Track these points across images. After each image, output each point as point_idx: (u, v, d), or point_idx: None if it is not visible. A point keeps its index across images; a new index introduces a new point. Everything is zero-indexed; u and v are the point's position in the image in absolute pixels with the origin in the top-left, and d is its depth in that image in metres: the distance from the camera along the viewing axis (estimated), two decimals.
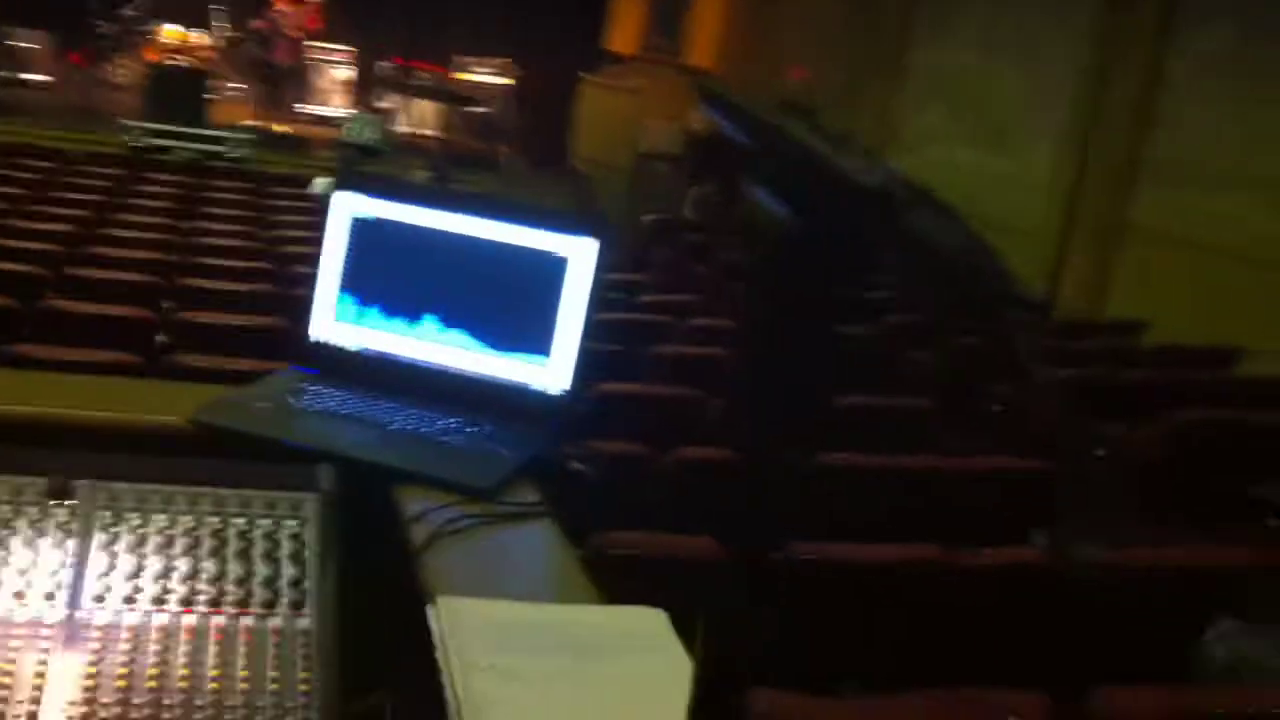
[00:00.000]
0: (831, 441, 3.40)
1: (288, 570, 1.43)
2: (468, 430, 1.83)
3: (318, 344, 1.95)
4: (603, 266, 1.86)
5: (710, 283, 8.06)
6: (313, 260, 1.97)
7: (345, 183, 1.93)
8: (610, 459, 3.06)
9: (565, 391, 1.90)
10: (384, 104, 14.85)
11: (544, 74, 15.27)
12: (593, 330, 1.87)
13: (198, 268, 6.61)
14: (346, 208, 1.92)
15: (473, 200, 1.98)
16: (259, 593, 1.40)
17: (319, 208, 9.17)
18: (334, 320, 1.94)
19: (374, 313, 1.93)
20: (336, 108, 14.78)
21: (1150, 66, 8.98)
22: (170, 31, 14.33)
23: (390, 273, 1.92)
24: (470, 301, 1.93)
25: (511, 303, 1.92)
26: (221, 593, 1.40)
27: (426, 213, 1.91)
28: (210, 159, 11.58)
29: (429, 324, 1.91)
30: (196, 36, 14.43)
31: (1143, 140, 9.02)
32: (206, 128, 12.35)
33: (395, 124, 14.39)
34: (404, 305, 1.92)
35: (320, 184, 9.90)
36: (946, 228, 0.89)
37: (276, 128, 13.46)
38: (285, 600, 1.40)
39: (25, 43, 14.01)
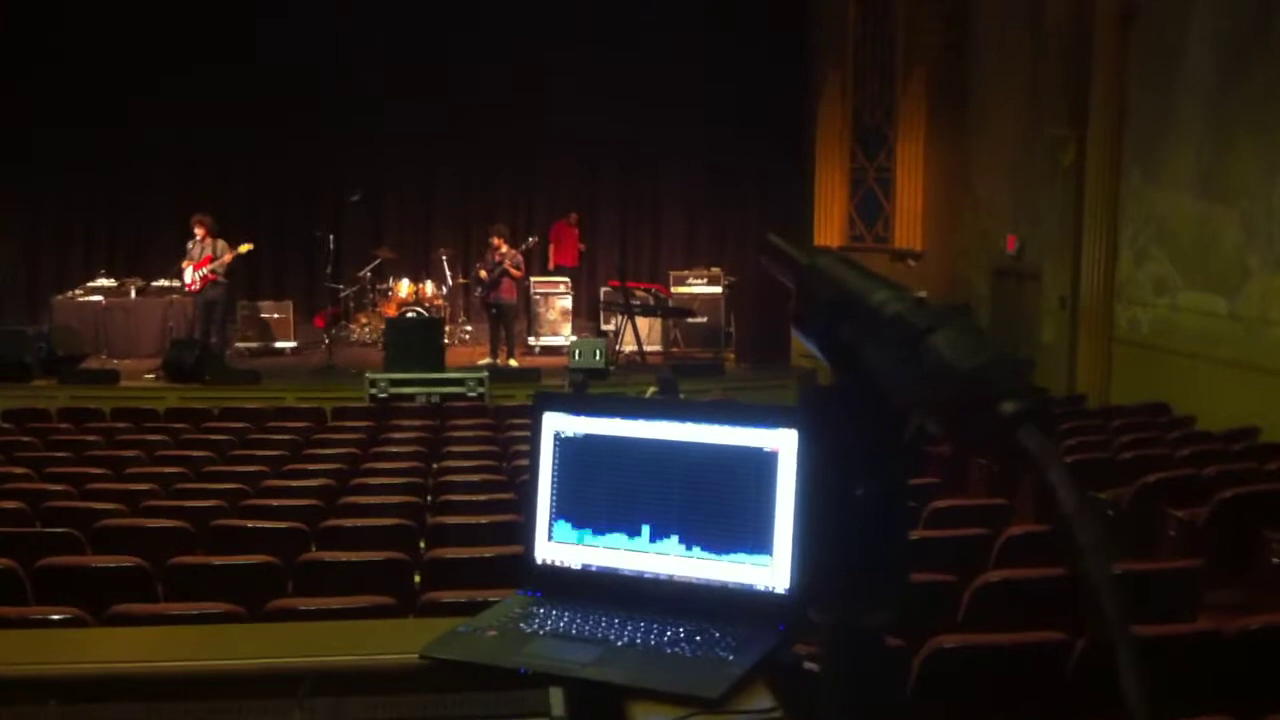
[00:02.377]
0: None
1: None
2: (696, 638, 1.80)
3: (541, 565, 1.97)
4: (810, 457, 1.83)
5: (950, 464, 7.85)
6: (526, 482, 2.01)
7: (547, 403, 1.98)
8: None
9: (791, 589, 1.86)
10: (607, 326, 15.37)
11: (757, 277, 15.56)
12: (815, 523, 1.83)
13: (446, 505, 6.85)
14: (551, 427, 1.97)
15: (672, 406, 2.00)
16: None
17: None
18: (553, 540, 1.97)
19: (591, 528, 1.94)
20: (562, 336, 15.38)
21: None
22: (404, 286, 15.31)
23: (602, 487, 1.94)
24: (684, 507, 1.92)
25: (726, 503, 1.91)
26: None
27: (629, 423, 1.94)
28: (450, 400, 12.12)
29: (646, 534, 1.91)
30: (428, 287, 15.36)
31: None
32: (444, 371, 12.99)
33: (619, 344, 14.83)
34: (620, 518, 1.93)
35: None
36: (969, 348, 0.89)
37: (509, 363, 14.06)
38: None
39: (274, 314, 15.21)
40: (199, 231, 13.58)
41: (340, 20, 15.80)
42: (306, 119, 15.86)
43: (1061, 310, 12.53)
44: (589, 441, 1.95)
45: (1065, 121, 12.24)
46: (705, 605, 1.88)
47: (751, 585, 1.88)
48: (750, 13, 16.27)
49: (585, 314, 16.68)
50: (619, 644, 1.77)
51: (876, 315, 0.93)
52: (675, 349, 15.18)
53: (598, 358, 13.53)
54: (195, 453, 8.72)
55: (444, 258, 15.87)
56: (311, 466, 8.29)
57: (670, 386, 12.06)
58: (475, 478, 7.74)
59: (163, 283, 14.75)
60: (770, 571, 1.87)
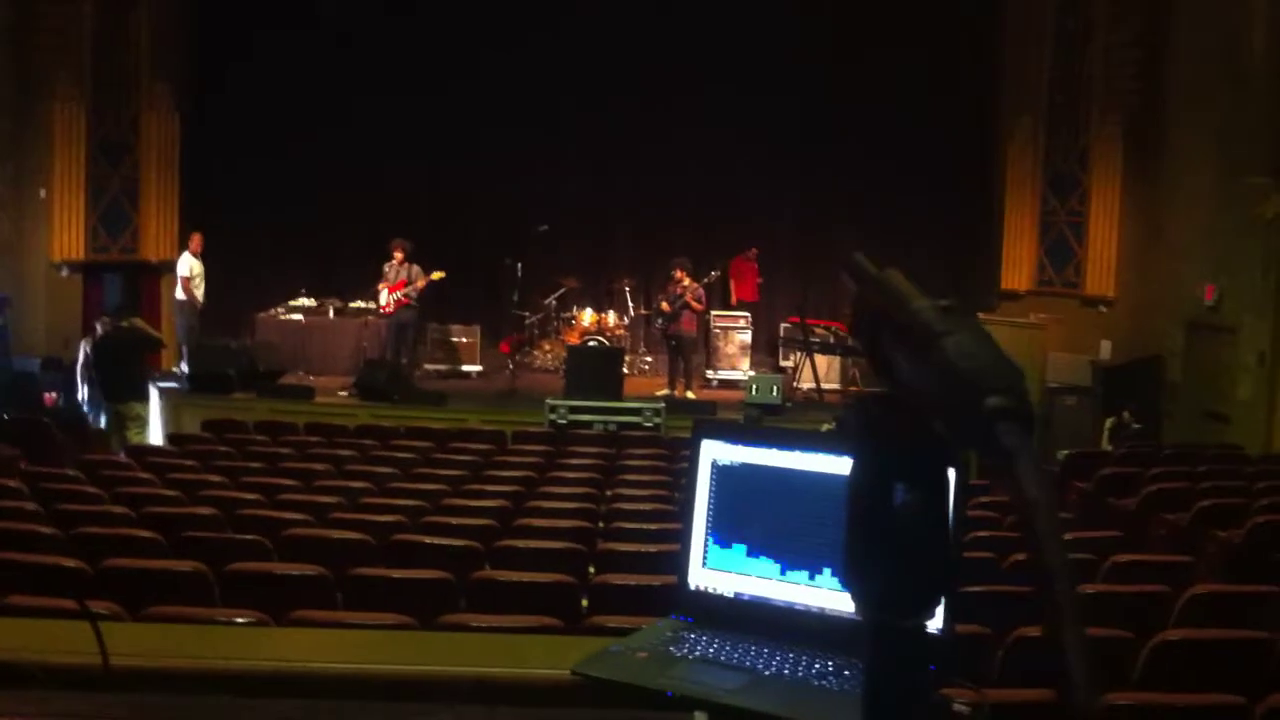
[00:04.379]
0: None
1: None
2: (844, 673, 1.81)
3: (694, 592, 2.00)
4: (960, 494, 1.82)
5: (1132, 518, 7.60)
6: (687, 510, 2.05)
7: (705, 430, 2.01)
8: (1003, 706, 2.89)
9: (940, 629, 1.84)
10: (785, 362, 15.33)
11: None
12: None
13: (617, 532, 6.94)
14: (710, 455, 2.01)
15: (827, 437, 2.01)
16: None
17: None
18: (706, 567, 2.00)
19: (743, 557, 1.97)
20: (740, 370, 15.41)
21: None
22: (587, 315, 15.59)
23: (756, 516, 1.96)
24: (834, 538, 1.93)
25: None
26: None
27: (784, 454, 1.96)
28: (627, 429, 12.25)
29: (797, 564, 1.93)
30: (610, 317, 15.60)
31: None
32: (622, 400, 13.15)
33: (796, 380, 14.77)
34: (772, 547, 1.95)
35: None
36: (970, 351, 0.95)
37: (686, 395, 14.15)
38: None
39: (461, 338, 15.67)
40: (397, 256, 14.11)
41: (533, 56, 16.22)
42: (497, 151, 16.32)
43: (1260, 367, 11.98)
44: (745, 470, 1.98)
45: (1265, 169, 11.74)
46: (855, 639, 1.88)
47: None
48: (941, 51, 16.10)
49: (763, 349, 16.66)
50: (766, 673, 1.79)
51: (908, 320, 0.98)
52: (854, 387, 15.04)
53: (774, 394, 13.52)
54: (381, 469, 9.03)
55: (626, 288, 16.11)
56: (490, 488, 8.50)
57: (848, 425, 11.94)
58: (646, 506, 7.81)
59: (359, 304, 15.36)
60: None
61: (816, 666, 1.83)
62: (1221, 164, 12.70)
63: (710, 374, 15.58)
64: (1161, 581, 5.32)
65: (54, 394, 13.26)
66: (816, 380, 14.39)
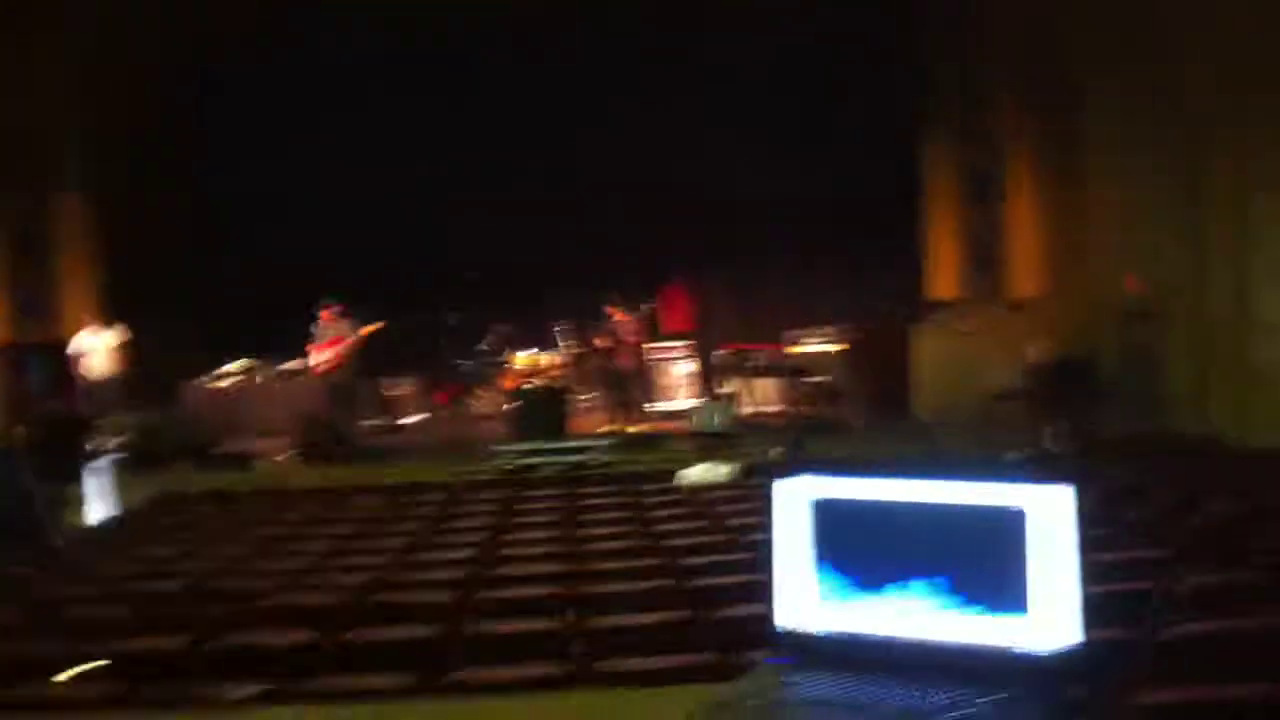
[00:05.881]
0: None
1: None
2: (959, 704, 1.79)
3: (787, 633, 1.97)
4: (1077, 514, 1.83)
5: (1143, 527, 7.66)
6: (760, 549, 2.03)
7: (779, 470, 1.99)
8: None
9: (1056, 650, 1.84)
10: (726, 389, 15.37)
11: (872, 333, 15.48)
12: (1079, 580, 1.83)
13: (596, 574, 6.87)
14: (789, 493, 1.99)
15: (913, 465, 2.00)
16: None
17: (688, 499, 9.45)
18: (798, 606, 1.97)
19: (838, 593, 1.95)
20: (683, 400, 15.42)
21: None
22: (522, 358, 15.50)
23: (847, 550, 1.95)
24: (932, 568, 1.92)
25: (976, 564, 1.90)
26: None
27: (868, 484, 1.95)
28: (576, 469, 12.19)
29: (895, 596, 1.92)
30: (546, 358, 15.54)
31: None
32: (568, 440, 13.09)
33: (740, 406, 14.81)
34: (866, 581, 1.93)
35: (687, 476, 10.25)
36: None
37: (631, 429, 14.13)
38: None
39: (395, 391, 15.50)
40: (324, 315, 13.93)
41: (450, 99, 16.19)
42: (420, 197, 16.21)
43: (1191, 354, 12.24)
44: (834, 506, 1.96)
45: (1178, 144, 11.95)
46: (959, 669, 1.88)
47: (1009, 647, 1.87)
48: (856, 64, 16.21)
49: (705, 376, 16.66)
50: (883, 710, 1.77)
51: None
52: (795, 408, 15.11)
53: (717, 420, 13.55)
54: (338, 530, 8.87)
55: (557, 329, 16.04)
56: (453, 539, 8.39)
57: (798, 447, 12.01)
58: (621, 544, 7.78)
59: (290, 365, 15.14)
60: (1028, 631, 1.86)
61: (929, 700, 1.81)
62: (1135, 141, 12.87)
63: (652, 406, 15.55)
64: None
65: None
66: (756, 405, 14.44)
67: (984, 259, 15.94)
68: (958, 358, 14.44)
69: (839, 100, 16.20)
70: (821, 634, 1.96)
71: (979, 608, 1.89)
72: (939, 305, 16.14)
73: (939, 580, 1.91)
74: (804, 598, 1.98)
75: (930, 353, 14.92)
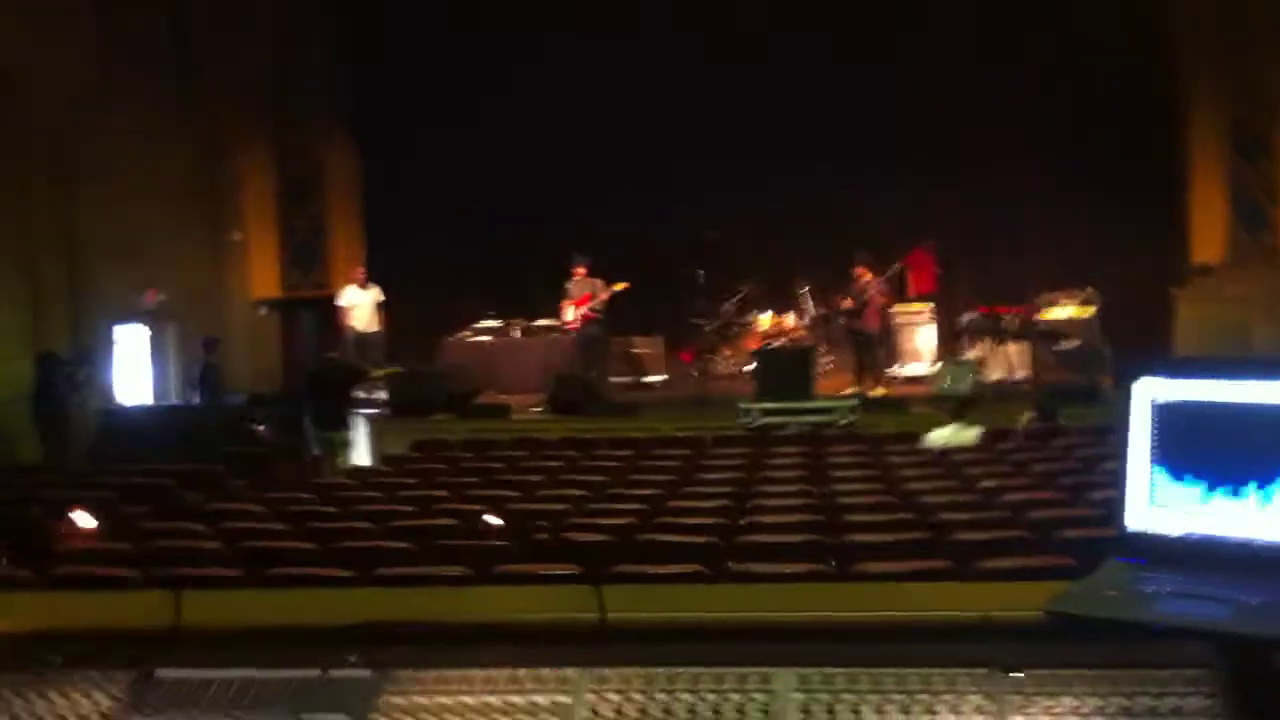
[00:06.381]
0: None
1: None
2: None
3: (1137, 534, 1.97)
4: None
5: None
6: (1110, 457, 2.03)
7: (1140, 370, 1.98)
8: None
9: None
10: (972, 353, 15.03)
11: (1129, 296, 14.88)
12: None
13: (850, 524, 6.93)
14: (1145, 396, 1.97)
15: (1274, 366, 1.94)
16: None
17: (935, 457, 9.34)
18: (1149, 508, 1.96)
19: (1191, 494, 1.93)
20: (923, 364, 15.19)
21: None
22: (765, 319, 15.54)
23: (1202, 452, 1.93)
24: None
25: None
26: None
27: (1230, 385, 1.91)
28: (822, 428, 12.18)
29: (1253, 499, 1.88)
30: (790, 319, 15.53)
31: None
32: (814, 400, 13.10)
33: (985, 370, 14.48)
34: (1222, 483, 1.90)
35: (934, 438, 10.13)
36: None
37: (873, 392, 14.00)
38: None
39: (644, 349, 15.80)
40: (579, 272, 14.31)
41: (706, 67, 16.25)
42: (668, 159, 16.36)
43: None
44: (1186, 407, 1.94)
45: None
46: None
47: None
48: (1112, 25, 15.60)
49: (947, 340, 16.34)
50: (1252, 603, 1.75)
51: None
52: (1044, 374, 14.66)
53: (962, 385, 13.29)
54: (594, 477, 9.16)
55: (805, 289, 15.98)
56: (705, 489, 8.58)
57: (1050, 413, 11.67)
58: (871, 499, 7.81)
59: (544, 321, 15.62)
60: None
61: None
62: None
63: (895, 370, 15.36)
64: None
65: (262, 427, 13.75)
66: (1010, 368, 14.10)
67: (1253, 220, 15.09)
68: (1225, 321, 13.76)
69: (1098, 58, 15.58)
70: (1169, 535, 1.95)
71: None
72: (1204, 268, 15.38)
73: None
74: (1153, 500, 1.96)
75: (1193, 316, 14.26)
